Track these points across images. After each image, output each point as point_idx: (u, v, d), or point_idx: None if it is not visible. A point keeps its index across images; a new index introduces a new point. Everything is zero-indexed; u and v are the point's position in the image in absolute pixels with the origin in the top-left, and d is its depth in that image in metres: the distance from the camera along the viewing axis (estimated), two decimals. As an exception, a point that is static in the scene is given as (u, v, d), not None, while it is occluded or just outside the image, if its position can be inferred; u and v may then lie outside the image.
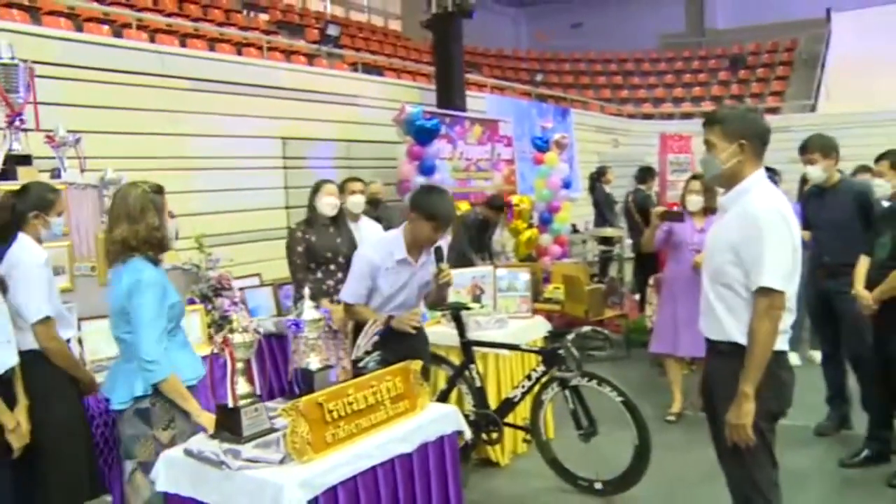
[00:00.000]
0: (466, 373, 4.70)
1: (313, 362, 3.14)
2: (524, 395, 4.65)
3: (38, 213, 3.60)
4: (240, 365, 2.88)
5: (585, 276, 8.48)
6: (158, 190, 3.29)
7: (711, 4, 25.08)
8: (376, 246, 4.13)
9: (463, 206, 9.26)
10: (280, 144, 8.77)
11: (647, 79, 23.03)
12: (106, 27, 9.36)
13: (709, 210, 5.51)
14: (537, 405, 4.69)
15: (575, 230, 11.93)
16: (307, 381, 3.09)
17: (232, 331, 2.87)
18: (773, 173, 3.26)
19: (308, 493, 2.61)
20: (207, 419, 3.08)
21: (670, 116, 19.78)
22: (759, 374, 2.80)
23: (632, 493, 4.44)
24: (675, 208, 5.77)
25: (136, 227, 3.14)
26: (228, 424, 2.86)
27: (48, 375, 3.40)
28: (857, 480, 4.68)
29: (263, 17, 14.73)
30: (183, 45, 9.91)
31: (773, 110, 18.40)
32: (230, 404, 2.86)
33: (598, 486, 4.52)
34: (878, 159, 5.12)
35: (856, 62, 18.80)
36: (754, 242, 2.80)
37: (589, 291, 7.80)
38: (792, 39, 22.12)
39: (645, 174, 9.76)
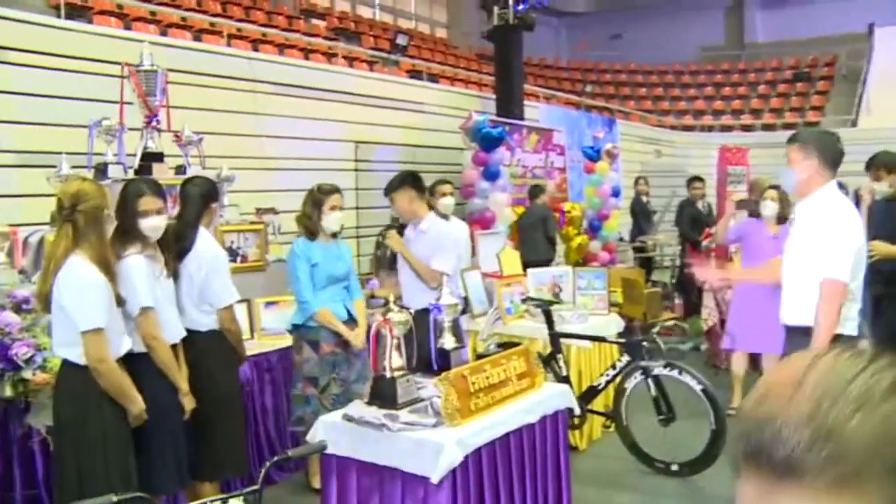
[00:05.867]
0: (553, 362, 5.13)
1: (448, 342, 3.59)
2: (608, 383, 5.07)
3: (211, 205, 3.97)
4: (396, 341, 3.33)
5: (643, 279, 8.86)
6: (322, 191, 4.53)
7: (751, 18, 25.30)
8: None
9: (519, 211, 9.69)
10: (353, 148, 9.24)
11: (686, 91, 23.32)
12: (188, 32, 9.89)
13: (782, 219, 5.81)
14: (620, 393, 5.08)
15: (621, 239, 12.21)
16: (444, 359, 3.54)
17: (390, 310, 3.32)
18: (841, 186, 3.84)
19: (462, 451, 3.05)
20: None
21: (710, 129, 20.06)
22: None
23: (706, 474, 4.83)
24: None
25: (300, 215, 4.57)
26: (385, 392, 3.31)
27: (225, 351, 3.90)
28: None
29: (321, 23, 15.23)
30: (255, 49, 10.41)
31: (814, 125, 18.60)
32: (387, 375, 3.30)
33: (674, 467, 4.93)
34: (869, 167, 5.58)
35: (898, 77, 18.96)
36: (824, 241, 3.35)
37: (647, 294, 8.19)
38: (832, 55, 22.33)
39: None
